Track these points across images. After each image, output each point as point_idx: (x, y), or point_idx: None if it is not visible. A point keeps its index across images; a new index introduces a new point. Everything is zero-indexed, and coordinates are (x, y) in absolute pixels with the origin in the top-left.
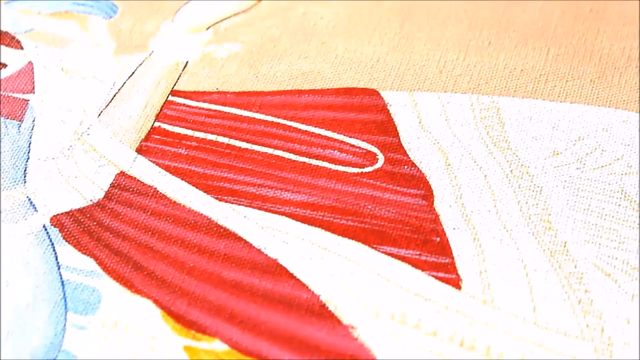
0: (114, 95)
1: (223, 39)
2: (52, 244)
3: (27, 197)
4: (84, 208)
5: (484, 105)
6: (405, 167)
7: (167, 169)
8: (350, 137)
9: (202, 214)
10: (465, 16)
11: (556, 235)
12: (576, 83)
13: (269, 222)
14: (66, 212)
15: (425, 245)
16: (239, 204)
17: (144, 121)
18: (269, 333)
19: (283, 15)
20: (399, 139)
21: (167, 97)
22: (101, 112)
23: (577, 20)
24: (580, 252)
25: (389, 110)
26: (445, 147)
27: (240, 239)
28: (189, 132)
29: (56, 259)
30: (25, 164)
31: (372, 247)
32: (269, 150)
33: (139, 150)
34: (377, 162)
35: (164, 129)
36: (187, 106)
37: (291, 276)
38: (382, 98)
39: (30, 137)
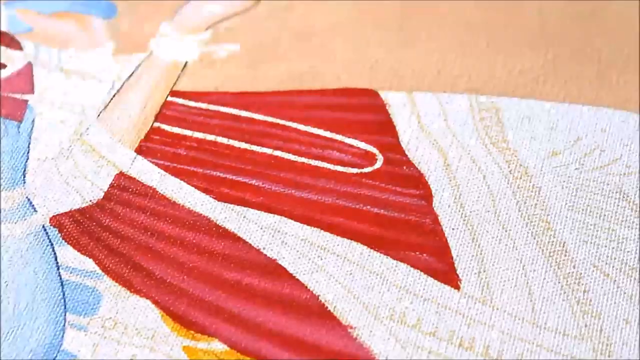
0: (113, 96)
1: (222, 40)
2: (52, 245)
3: (27, 197)
4: (83, 208)
5: (483, 105)
6: (405, 167)
7: (166, 169)
8: (350, 137)
9: (201, 214)
10: (464, 17)
11: (555, 235)
12: (575, 83)
13: (268, 222)
14: (65, 213)
15: (424, 246)
16: (238, 204)
17: (143, 121)
18: (268, 333)
19: (282, 15)
20: (398, 139)
21: (167, 97)
22: (100, 112)
23: (577, 20)
24: (578, 252)
25: (388, 111)
26: (444, 148)
27: (239, 239)
28: (188, 133)
29: (55, 260)
30: (25, 165)
31: (371, 248)
32: (268, 151)
33: (139, 151)
34: (376, 162)
35: (163, 129)
36: (187, 106)
37: (290, 276)
38: (381, 98)
39: (30, 138)
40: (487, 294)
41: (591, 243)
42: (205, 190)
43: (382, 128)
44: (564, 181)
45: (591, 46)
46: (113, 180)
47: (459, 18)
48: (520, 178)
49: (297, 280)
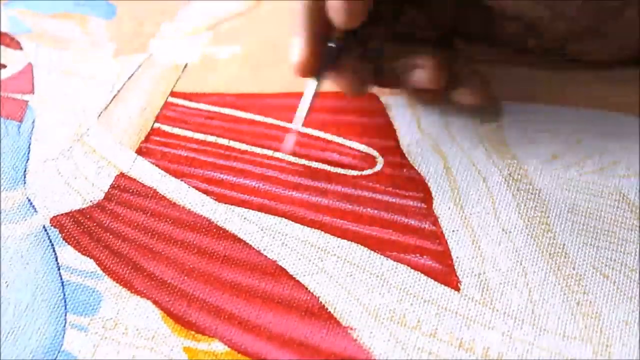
0: (114, 97)
1: (223, 41)
2: (52, 245)
3: (27, 198)
4: (83, 209)
5: (483, 108)
6: (405, 170)
7: (166, 170)
8: (350, 140)
9: (201, 216)
10: None
11: (555, 237)
12: (575, 86)
13: (269, 223)
14: (66, 213)
15: (425, 248)
16: (239, 206)
17: (143, 122)
18: (268, 334)
19: (283, 17)
20: (398, 142)
21: (167, 98)
22: (101, 113)
23: None
24: (578, 254)
25: (388, 114)
26: (444, 150)
27: (239, 240)
28: (189, 134)
29: (56, 260)
30: (25, 165)
31: (372, 249)
32: (269, 152)
33: (139, 152)
34: (376, 164)
35: (164, 130)
36: (187, 107)
37: (291, 278)
38: (382, 101)
39: (30, 138)
40: (487, 295)
41: (591, 245)
42: (206, 191)
43: (383, 131)
44: (563, 184)
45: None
46: (113, 181)
47: None
48: (520, 180)
49: (298, 281)
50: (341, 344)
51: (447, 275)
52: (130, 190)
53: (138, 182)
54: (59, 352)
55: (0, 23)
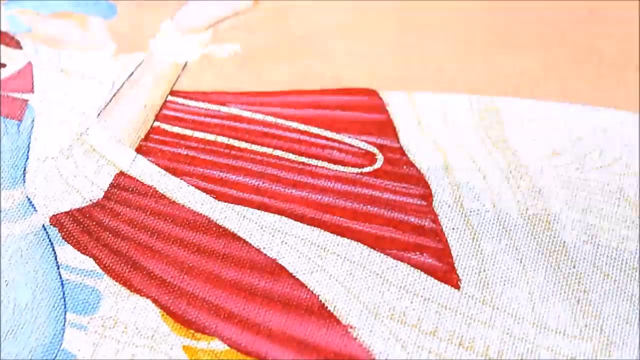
0: (114, 96)
1: (223, 40)
2: (52, 244)
3: (27, 196)
4: (83, 208)
5: (483, 105)
6: (405, 167)
7: (166, 168)
8: (350, 137)
9: (201, 214)
10: (465, 17)
11: (555, 235)
12: (575, 83)
13: (268, 221)
14: (65, 212)
15: (424, 245)
16: (238, 204)
17: (143, 121)
18: (268, 333)
19: (282, 16)
20: (398, 139)
21: (167, 97)
22: (100, 112)
23: (577, 20)
24: (579, 252)
25: (388, 111)
26: (444, 148)
27: (239, 238)
28: (189, 132)
29: (55, 259)
30: (25, 164)
31: (371, 247)
32: (268, 150)
33: (139, 150)
34: (376, 162)
35: (164, 128)
36: (187, 106)
37: (290, 276)
38: (382, 98)
39: (30, 137)
40: (487, 293)
41: (591, 243)
42: (205, 190)
43: (382, 128)
44: (564, 181)
45: (592, 46)
46: (113, 179)
47: (459, 18)
48: (521, 178)
49: (297, 279)
50: (341, 342)
51: (447, 273)
52: (130, 189)
53: (138, 180)
54: (58, 350)
55: (0, 22)
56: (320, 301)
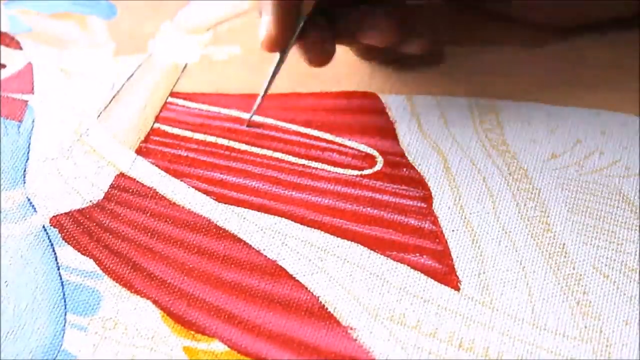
0: (114, 97)
1: (222, 41)
2: (52, 245)
3: (27, 197)
4: (83, 209)
5: (483, 108)
6: (404, 169)
7: (166, 170)
8: (350, 139)
9: (201, 215)
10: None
11: (555, 237)
12: (575, 86)
13: (268, 223)
14: (66, 213)
15: (424, 247)
16: (238, 206)
17: (143, 122)
18: (268, 334)
19: None
20: (398, 141)
21: (167, 98)
22: (100, 113)
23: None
24: (578, 253)
25: (388, 113)
26: (444, 150)
27: (239, 240)
28: (188, 134)
29: (56, 260)
30: (25, 165)
31: (371, 249)
32: (268, 152)
33: (139, 152)
34: (376, 164)
35: (163, 130)
36: (187, 108)
37: (290, 277)
38: (382, 101)
39: (30, 138)
40: (487, 295)
41: (591, 245)
42: (206, 191)
43: (382, 130)
44: (563, 183)
45: (591, 49)
46: (113, 180)
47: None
48: (520, 180)
49: (297, 281)
50: (341, 343)
51: (446, 275)
52: (130, 190)
53: (138, 182)
54: (58, 351)
55: (0, 22)
56: (321, 302)
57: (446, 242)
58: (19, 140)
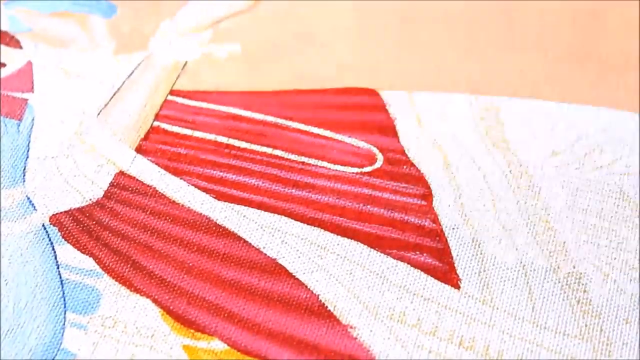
0: (113, 95)
1: (222, 39)
2: (52, 243)
3: (27, 196)
4: (83, 207)
5: (483, 105)
6: (405, 167)
7: (166, 168)
8: (350, 137)
9: (201, 214)
10: (465, 17)
11: (555, 235)
12: (575, 84)
13: (268, 221)
14: (65, 211)
15: (424, 245)
16: (238, 204)
17: (143, 120)
18: (268, 332)
19: (283, 15)
20: (398, 139)
21: (167, 96)
22: (100, 111)
23: (577, 21)
24: (579, 252)
25: (388, 111)
26: (444, 147)
27: (239, 238)
28: (188, 132)
29: (55, 258)
30: (25, 163)
31: (371, 247)
32: (268, 150)
33: (138, 150)
34: (376, 162)
35: (164, 128)
36: (187, 106)
37: (290, 276)
38: (382, 98)
39: (30, 136)
40: (487, 293)
41: (591, 243)
42: (205, 190)
43: (382, 128)
44: (564, 181)
45: (592, 47)
46: (113, 179)
47: (459, 18)
48: (521, 178)
49: (297, 279)
50: (341, 342)
51: (447, 273)
52: (130, 189)
53: (137, 180)
54: (58, 350)
55: (0, 22)
56: (320, 301)
57: (446, 240)
58: (19, 138)
